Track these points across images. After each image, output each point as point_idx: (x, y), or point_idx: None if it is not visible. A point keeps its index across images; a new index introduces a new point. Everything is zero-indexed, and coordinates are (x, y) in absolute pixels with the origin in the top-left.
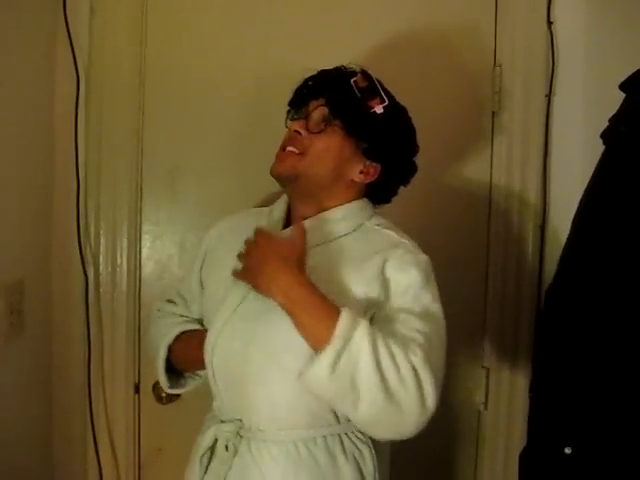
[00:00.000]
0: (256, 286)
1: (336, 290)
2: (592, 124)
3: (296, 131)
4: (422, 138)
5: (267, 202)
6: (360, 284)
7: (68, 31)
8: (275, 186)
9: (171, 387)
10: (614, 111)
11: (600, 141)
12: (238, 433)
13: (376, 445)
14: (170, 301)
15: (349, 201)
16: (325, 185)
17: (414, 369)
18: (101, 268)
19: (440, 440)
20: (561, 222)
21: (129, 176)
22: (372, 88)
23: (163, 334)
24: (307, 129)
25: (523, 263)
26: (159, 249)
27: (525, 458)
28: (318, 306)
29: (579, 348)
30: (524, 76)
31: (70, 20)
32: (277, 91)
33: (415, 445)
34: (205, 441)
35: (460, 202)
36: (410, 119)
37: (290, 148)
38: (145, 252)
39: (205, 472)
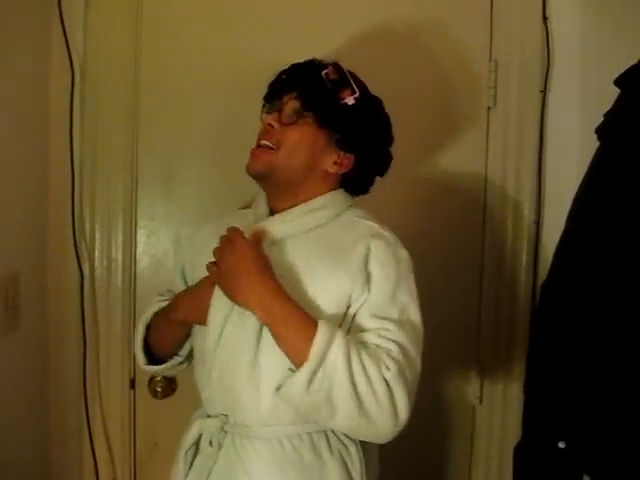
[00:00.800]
0: (232, 297)
1: (318, 284)
2: (587, 120)
3: (269, 124)
4: (416, 133)
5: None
6: (343, 278)
7: (63, 26)
8: None
9: (147, 364)
10: (609, 107)
11: (595, 137)
12: (222, 428)
13: (363, 441)
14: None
15: (325, 192)
16: (300, 177)
17: (387, 383)
18: (96, 263)
19: (435, 434)
20: (556, 218)
21: (124, 171)
22: (343, 80)
23: (143, 316)
24: (280, 122)
25: (518, 258)
26: (154, 244)
27: (519, 452)
28: (295, 318)
29: (573, 343)
30: (519, 71)
31: (65, 15)
32: None
33: (410, 440)
34: (189, 436)
35: (455, 197)
36: (383, 109)
37: (264, 142)
38: (140, 247)
39: (190, 468)
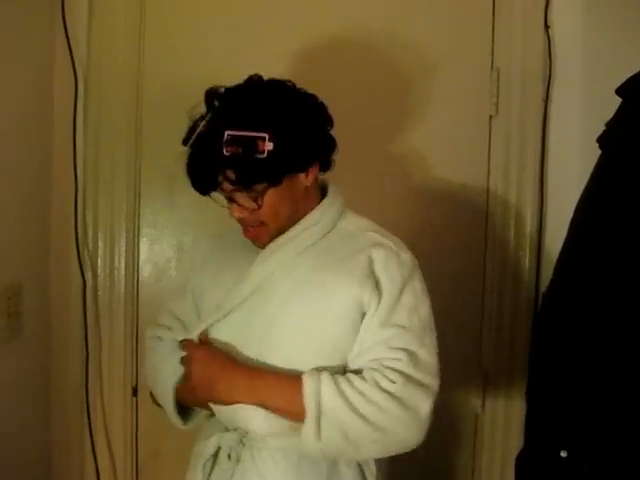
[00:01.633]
0: (217, 401)
1: (327, 295)
2: (589, 128)
3: (242, 218)
4: (419, 142)
5: None
6: (351, 284)
7: (66, 33)
8: None
9: (185, 423)
10: (611, 116)
11: (597, 146)
12: (241, 441)
13: None
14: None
15: (318, 201)
16: (295, 217)
17: (395, 397)
18: (99, 271)
19: (438, 443)
20: (558, 227)
21: (127, 179)
22: (243, 141)
23: (168, 373)
24: (247, 210)
25: (520, 268)
26: (157, 252)
27: (522, 461)
28: (280, 384)
29: (575, 351)
30: (521, 80)
31: (68, 22)
32: None
33: (412, 449)
34: (207, 449)
35: (457, 207)
36: (289, 93)
37: (250, 228)
38: (143, 255)
39: (207, 479)
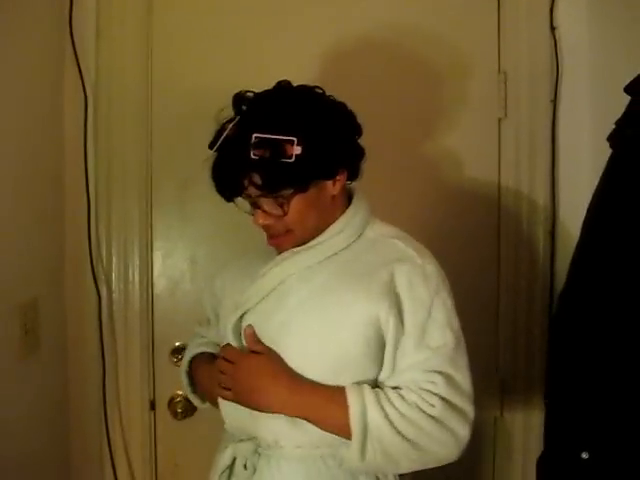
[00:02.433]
0: (257, 409)
1: (343, 308)
2: (598, 128)
3: (267, 225)
4: (429, 147)
5: None
6: (368, 301)
7: (75, 52)
8: None
9: (204, 402)
10: (620, 114)
11: (607, 144)
12: (256, 451)
13: None
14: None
15: (344, 211)
16: (322, 226)
17: (436, 420)
18: (113, 286)
19: None
20: (571, 227)
21: (139, 194)
22: (270, 144)
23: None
24: (272, 217)
25: (534, 269)
26: (171, 266)
27: (543, 464)
28: (323, 399)
29: (593, 352)
30: (529, 82)
31: (77, 42)
32: None
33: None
34: (223, 460)
35: (469, 210)
36: (319, 98)
37: (276, 235)
38: (157, 269)
39: None
